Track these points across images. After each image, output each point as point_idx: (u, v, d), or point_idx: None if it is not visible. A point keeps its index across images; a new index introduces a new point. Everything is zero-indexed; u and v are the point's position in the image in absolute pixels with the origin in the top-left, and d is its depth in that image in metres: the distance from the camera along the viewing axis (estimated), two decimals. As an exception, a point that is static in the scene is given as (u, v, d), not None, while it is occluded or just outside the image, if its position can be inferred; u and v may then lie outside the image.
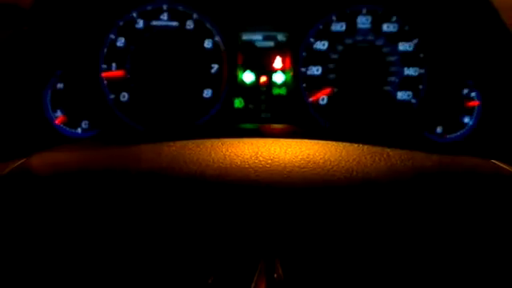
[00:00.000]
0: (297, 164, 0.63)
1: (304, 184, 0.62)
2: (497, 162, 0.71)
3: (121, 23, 1.06)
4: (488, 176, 0.67)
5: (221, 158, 0.64)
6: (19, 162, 0.67)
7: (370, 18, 1.07)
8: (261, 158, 0.64)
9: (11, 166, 0.66)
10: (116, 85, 1.07)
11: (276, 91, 1.10)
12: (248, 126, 1.09)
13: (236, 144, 0.67)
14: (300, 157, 0.64)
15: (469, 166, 0.68)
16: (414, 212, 0.64)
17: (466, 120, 1.07)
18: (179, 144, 0.67)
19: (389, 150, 0.69)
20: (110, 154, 0.66)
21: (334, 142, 0.69)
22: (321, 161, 0.64)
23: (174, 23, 1.07)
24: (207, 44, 1.08)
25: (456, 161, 0.69)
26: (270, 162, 0.64)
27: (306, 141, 0.69)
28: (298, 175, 0.62)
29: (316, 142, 0.69)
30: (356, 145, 0.69)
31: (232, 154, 0.64)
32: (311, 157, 0.65)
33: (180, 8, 1.07)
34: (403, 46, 1.07)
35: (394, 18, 1.06)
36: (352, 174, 0.63)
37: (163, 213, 0.62)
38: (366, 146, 0.69)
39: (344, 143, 0.69)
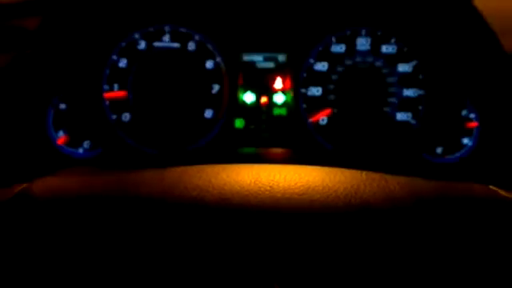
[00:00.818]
0: (296, 190, 0.64)
1: (302, 211, 0.62)
2: (495, 188, 0.72)
3: (123, 44, 1.08)
4: (486, 203, 0.67)
5: (221, 184, 0.65)
6: (20, 188, 0.67)
7: (369, 40, 1.08)
8: (260, 185, 0.64)
9: (12, 192, 0.66)
10: (118, 105, 1.08)
11: (276, 111, 1.11)
12: (248, 150, 1.10)
13: (236, 170, 0.68)
14: (299, 183, 0.65)
15: (467, 193, 0.69)
16: (412, 239, 0.64)
17: (466, 141, 1.08)
18: (180, 169, 0.68)
19: (387, 176, 0.69)
20: (111, 180, 0.67)
21: (332, 168, 0.69)
22: (319, 187, 0.64)
23: (176, 44, 1.09)
24: (208, 65, 1.09)
25: (454, 187, 0.70)
26: (269, 188, 0.64)
27: (305, 167, 0.70)
28: (296, 202, 0.63)
29: (315, 167, 0.70)
30: (354, 171, 0.70)
31: (232, 181, 0.65)
32: (310, 183, 0.65)
33: (182, 30, 1.08)
34: (402, 68, 1.08)
35: (393, 40, 1.07)
36: (350, 201, 0.63)
37: (164, 239, 0.63)
38: (364, 172, 0.69)
39: (342, 169, 0.70)
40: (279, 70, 1.11)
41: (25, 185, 0.70)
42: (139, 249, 0.63)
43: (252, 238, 0.62)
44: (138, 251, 0.63)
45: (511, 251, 0.66)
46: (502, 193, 0.70)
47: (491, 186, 0.73)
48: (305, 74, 1.09)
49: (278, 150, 1.10)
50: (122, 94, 1.08)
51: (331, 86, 1.09)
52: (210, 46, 1.09)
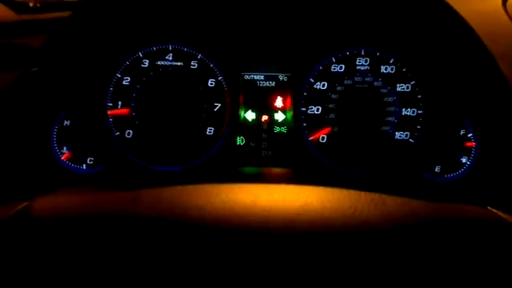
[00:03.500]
0: (294, 211, 0.65)
1: (300, 231, 0.63)
2: (493, 210, 0.73)
3: (127, 63, 1.10)
4: (484, 225, 0.68)
5: (220, 204, 0.66)
6: (20, 207, 0.69)
7: (368, 60, 1.10)
8: (259, 205, 0.66)
9: (12, 211, 0.67)
10: (121, 122, 1.10)
11: (277, 130, 1.14)
12: (248, 169, 1.12)
13: (235, 190, 0.69)
14: (298, 204, 0.66)
15: (465, 214, 0.70)
16: (410, 260, 0.65)
17: (464, 160, 1.09)
18: (179, 189, 0.69)
19: (385, 196, 0.71)
20: (111, 199, 0.68)
21: (331, 189, 0.71)
22: (318, 208, 0.66)
23: (179, 63, 1.11)
24: (210, 83, 1.11)
25: (452, 208, 0.71)
26: (268, 208, 0.65)
27: (304, 187, 0.71)
28: (294, 222, 0.64)
29: (313, 188, 0.71)
30: (353, 191, 0.71)
31: (231, 201, 0.66)
32: (308, 204, 0.66)
33: (185, 49, 1.11)
34: (401, 87, 1.09)
35: (392, 60, 1.09)
36: (348, 222, 0.64)
37: (163, 258, 0.64)
38: (362, 193, 0.70)
39: (341, 189, 0.71)
40: (280, 88, 1.13)
41: (25, 203, 0.71)
42: (138, 268, 0.64)
43: (251, 258, 0.63)
44: (138, 271, 0.64)
45: (507, 272, 0.66)
46: (501, 215, 0.71)
47: (489, 207, 0.74)
48: (305, 93, 1.11)
49: (277, 170, 1.11)
50: (125, 111, 1.10)
51: (331, 105, 1.11)
52: (212, 65, 1.11)
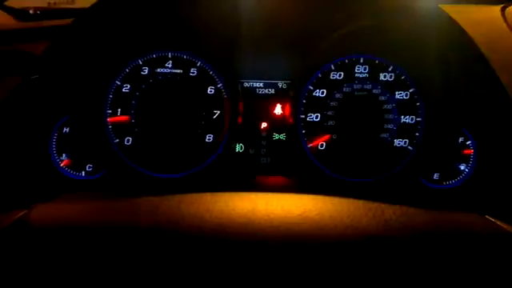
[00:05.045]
0: (292, 220, 0.65)
1: (299, 240, 0.63)
2: (491, 219, 0.73)
3: (127, 70, 1.10)
4: (483, 235, 0.68)
5: (219, 213, 0.66)
6: (18, 215, 0.69)
7: (367, 68, 1.10)
8: (258, 214, 0.66)
9: (11, 220, 0.67)
10: (120, 129, 1.10)
11: (276, 137, 1.14)
12: (247, 178, 1.12)
13: (234, 198, 0.69)
14: (296, 213, 0.66)
15: (463, 223, 0.70)
16: (408, 269, 0.65)
17: (462, 167, 1.09)
18: (178, 198, 0.70)
19: (383, 205, 0.71)
20: (109, 208, 0.68)
21: (329, 197, 0.71)
22: (316, 217, 0.66)
23: (178, 70, 1.11)
24: (210, 91, 1.12)
25: (450, 217, 0.71)
26: (266, 217, 0.65)
27: (302, 196, 0.71)
28: (293, 232, 0.64)
29: (312, 196, 0.71)
30: (351, 200, 0.71)
31: (230, 210, 0.67)
32: (307, 213, 0.66)
33: (184, 56, 1.11)
34: (400, 95, 1.10)
35: (391, 68, 1.10)
36: (346, 231, 0.64)
37: (162, 268, 0.64)
38: (360, 202, 0.70)
39: (339, 198, 0.71)
40: (279, 96, 1.14)
41: (23, 212, 0.71)
42: (137, 277, 0.64)
43: (249, 267, 0.63)
44: (136, 280, 0.64)
45: (505, 281, 0.66)
46: (499, 224, 0.71)
47: (487, 216, 0.74)
48: (304, 101, 1.11)
49: (275, 178, 1.11)
50: (124, 118, 1.10)
51: (330, 112, 1.11)
52: (211, 72, 1.12)
